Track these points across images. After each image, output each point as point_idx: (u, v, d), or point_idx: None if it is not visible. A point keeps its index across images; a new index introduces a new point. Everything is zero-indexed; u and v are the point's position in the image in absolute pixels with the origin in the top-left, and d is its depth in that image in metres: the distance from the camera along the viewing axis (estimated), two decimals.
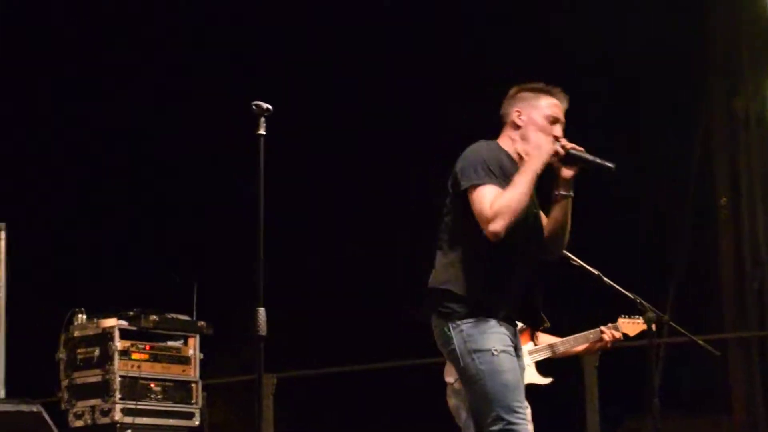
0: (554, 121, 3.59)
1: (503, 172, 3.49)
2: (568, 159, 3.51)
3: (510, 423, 3.39)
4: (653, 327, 4.41)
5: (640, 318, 4.56)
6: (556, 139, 3.55)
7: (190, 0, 9.91)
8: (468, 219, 3.47)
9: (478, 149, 3.54)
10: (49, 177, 9.91)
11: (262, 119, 3.71)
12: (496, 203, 3.39)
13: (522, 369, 3.60)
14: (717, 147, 8.32)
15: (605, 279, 4.42)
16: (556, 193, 3.54)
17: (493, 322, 3.46)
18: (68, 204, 9.79)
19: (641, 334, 4.60)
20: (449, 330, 3.48)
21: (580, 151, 3.53)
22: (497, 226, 3.38)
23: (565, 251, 4.27)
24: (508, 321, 3.53)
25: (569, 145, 3.53)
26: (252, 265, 3.71)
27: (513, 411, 3.40)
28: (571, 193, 3.54)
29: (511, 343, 3.49)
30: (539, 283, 3.61)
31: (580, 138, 3.61)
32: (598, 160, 3.49)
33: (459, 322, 3.47)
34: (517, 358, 3.55)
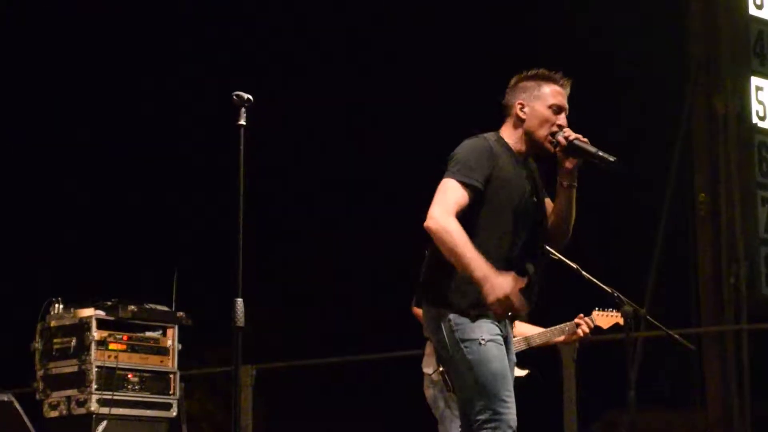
0: (558, 110, 3.52)
1: (495, 163, 3.43)
2: (569, 150, 3.46)
3: (497, 413, 3.39)
4: (630, 321, 4.43)
5: (615, 311, 4.59)
6: (560, 128, 3.49)
7: None
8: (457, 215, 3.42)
9: (469, 145, 3.49)
10: (24, 166, 9.85)
11: (243, 109, 3.70)
12: (453, 227, 3.30)
13: (513, 363, 3.59)
14: (697, 144, 8.37)
15: (584, 273, 4.44)
16: (560, 182, 3.52)
17: (481, 312, 3.45)
18: (44, 193, 9.74)
19: (616, 327, 4.63)
20: (438, 319, 3.48)
21: (584, 142, 3.47)
22: (430, 227, 3.33)
23: (545, 245, 4.29)
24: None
25: (572, 136, 3.47)
26: (231, 256, 3.70)
27: (500, 400, 3.40)
28: (575, 184, 3.50)
29: (499, 333, 3.48)
30: (540, 275, 3.56)
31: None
32: (600, 153, 3.43)
33: (447, 311, 3.46)
34: (508, 351, 3.53)
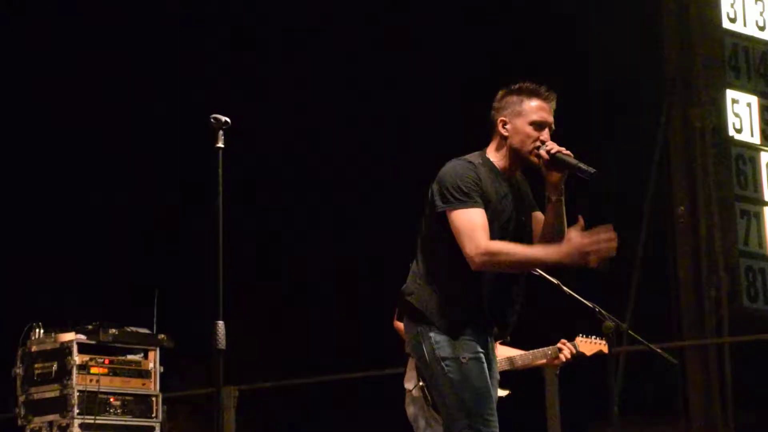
0: (541, 126, 3.50)
1: (481, 189, 3.44)
2: (552, 163, 3.48)
3: (479, 431, 3.38)
4: (612, 336, 4.44)
5: (598, 339, 4.60)
6: (542, 143, 3.48)
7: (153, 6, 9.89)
8: (441, 238, 3.45)
9: (452, 169, 3.48)
10: (4, 190, 9.80)
11: (221, 132, 3.70)
12: (496, 246, 3.35)
13: (496, 380, 3.59)
14: (674, 157, 8.43)
15: (564, 288, 4.45)
16: (547, 197, 3.52)
17: (463, 329, 3.46)
18: (22, 218, 9.69)
19: (599, 354, 4.63)
20: (419, 336, 3.48)
21: (566, 155, 3.47)
22: (481, 262, 3.36)
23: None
24: (480, 330, 3.51)
25: (554, 149, 3.46)
26: (212, 278, 3.69)
27: (482, 418, 3.39)
28: (562, 197, 3.50)
29: (480, 350, 3.48)
30: (520, 293, 3.57)
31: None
32: (581, 165, 3.44)
33: (428, 329, 3.46)
34: (491, 369, 3.53)
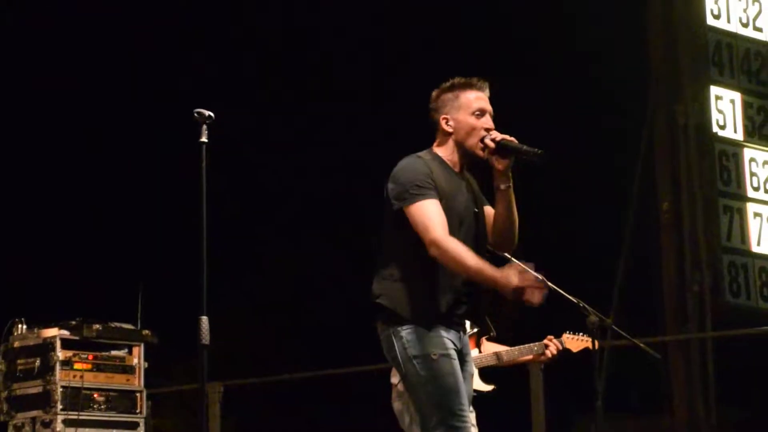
0: (481, 113, 3.58)
1: (434, 183, 3.49)
2: (499, 150, 3.53)
3: (452, 427, 3.41)
4: (596, 331, 4.46)
5: (585, 336, 4.62)
6: (487, 131, 3.55)
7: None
8: (401, 234, 3.50)
9: (407, 167, 3.54)
10: None
11: (204, 127, 3.69)
12: (451, 244, 3.40)
13: (470, 375, 3.61)
14: (658, 153, 8.46)
15: (549, 283, 4.45)
16: (496, 186, 3.57)
17: (432, 326, 3.49)
18: (7, 213, 9.64)
19: (585, 351, 4.65)
20: (391, 336, 3.51)
21: (510, 141, 3.54)
22: (437, 254, 3.42)
23: (508, 255, 4.31)
24: (450, 325, 3.54)
25: (499, 137, 3.53)
26: (196, 273, 3.68)
27: (455, 414, 3.42)
28: (510, 184, 3.56)
29: (452, 347, 3.51)
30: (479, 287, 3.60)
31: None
32: (526, 148, 3.50)
33: (399, 329, 3.49)
34: (464, 363, 3.56)
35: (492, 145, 3.53)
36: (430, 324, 3.48)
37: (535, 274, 3.44)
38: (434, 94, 3.66)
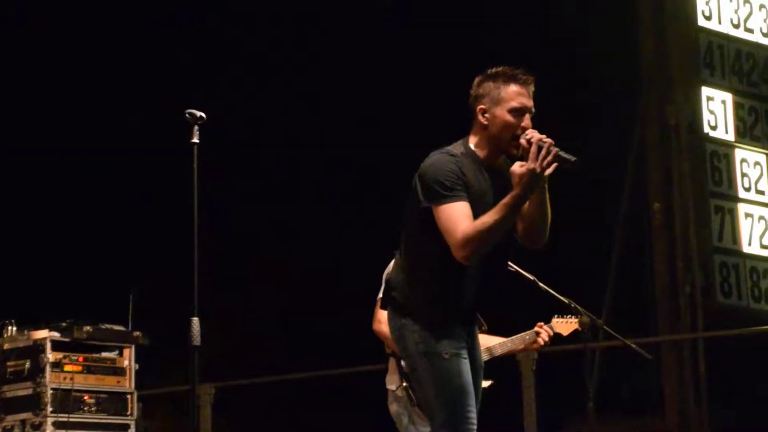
0: (520, 112, 3.43)
1: (464, 182, 3.39)
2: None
3: (458, 428, 3.39)
4: (588, 331, 4.46)
5: (574, 318, 4.62)
6: (523, 130, 3.42)
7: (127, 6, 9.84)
8: (425, 233, 3.42)
9: (437, 163, 3.42)
10: None
11: (196, 127, 3.68)
12: (468, 229, 3.31)
13: (481, 368, 3.60)
14: (650, 154, 8.47)
15: (541, 284, 4.46)
16: None
17: (445, 324, 3.45)
18: None
19: (575, 337, 4.66)
20: (403, 328, 3.47)
21: (547, 142, 3.38)
22: (465, 252, 3.32)
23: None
24: (463, 323, 3.51)
25: (535, 138, 3.38)
26: (188, 275, 3.67)
27: (461, 416, 3.39)
28: (545, 185, 3.41)
29: (464, 345, 3.48)
30: (498, 285, 3.55)
31: None
32: (562, 153, 3.37)
33: (412, 323, 3.45)
34: (474, 359, 3.53)
35: (527, 146, 3.37)
36: (443, 322, 3.44)
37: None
38: (477, 79, 3.48)
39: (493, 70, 3.49)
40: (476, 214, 3.39)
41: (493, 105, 3.45)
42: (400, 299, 3.48)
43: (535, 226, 3.51)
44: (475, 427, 3.43)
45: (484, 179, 3.48)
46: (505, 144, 3.46)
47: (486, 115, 3.47)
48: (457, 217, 3.35)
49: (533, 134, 3.41)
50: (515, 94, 3.44)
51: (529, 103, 3.47)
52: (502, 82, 3.46)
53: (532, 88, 3.49)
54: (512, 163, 3.48)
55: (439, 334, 3.43)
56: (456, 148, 3.49)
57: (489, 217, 3.34)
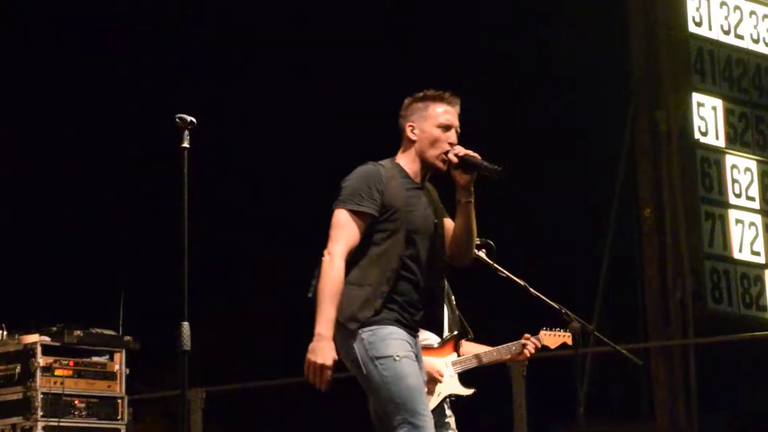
0: (447, 128, 3.63)
1: (375, 197, 3.53)
2: (461, 165, 3.58)
3: (415, 426, 3.46)
4: (578, 337, 4.46)
5: (563, 331, 4.63)
6: (451, 146, 3.61)
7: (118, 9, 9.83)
8: (361, 238, 3.54)
9: (359, 172, 3.60)
10: None
11: (186, 132, 3.68)
12: (335, 265, 3.47)
13: (424, 372, 3.64)
14: (640, 160, 8.50)
15: (531, 290, 4.47)
16: (457, 199, 3.61)
17: (392, 329, 3.54)
18: None
19: (563, 346, 4.66)
20: (350, 338, 3.54)
21: (473, 157, 3.58)
22: (324, 264, 3.50)
23: (492, 262, 4.32)
24: (408, 327, 3.59)
25: (462, 152, 3.58)
26: (177, 279, 3.67)
27: (418, 414, 3.47)
28: (471, 199, 3.60)
29: (411, 349, 3.56)
30: (440, 293, 3.69)
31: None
32: (487, 164, 3.56)
33: (359, 331, 3.52)
34: (419, 368, 3.60)
35: (455, 159, 3.58)
36: (389, 326, 3.52)
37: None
38: (406, 101, 3.72)
39: (422, 92, 3.71)
40: (400, 228, 3.54)
41: (422, 122, 3.66)
42: (342, 304, 3.53)
43: (460, 243, 3.66)
44: (431, 425, 3.50)
45: (413, 193, 3.63)
46: (432, 159, 3.64)
47: (415, 131, 3.67)
48: (346, 228, 3.52)
49: (460, 149, 3.61)
50: (443, 112, 3.66)
51: (456, 121, 3.69)
52: (430, 101, 3.69)
53: (458, 108, 3.71)
54: (436, 188, 3.71)
55: (388, 339, 3.51)
56: (386, 162, 3.68)
57: (328, 293, 3.48)
